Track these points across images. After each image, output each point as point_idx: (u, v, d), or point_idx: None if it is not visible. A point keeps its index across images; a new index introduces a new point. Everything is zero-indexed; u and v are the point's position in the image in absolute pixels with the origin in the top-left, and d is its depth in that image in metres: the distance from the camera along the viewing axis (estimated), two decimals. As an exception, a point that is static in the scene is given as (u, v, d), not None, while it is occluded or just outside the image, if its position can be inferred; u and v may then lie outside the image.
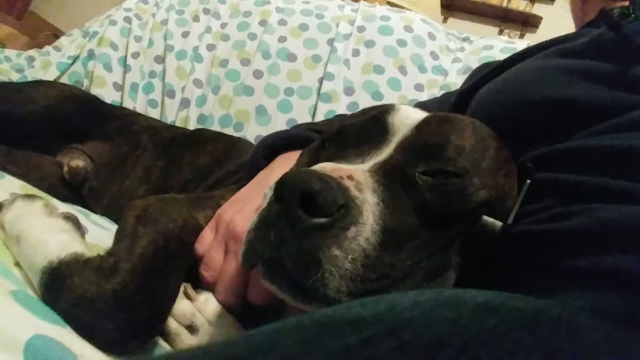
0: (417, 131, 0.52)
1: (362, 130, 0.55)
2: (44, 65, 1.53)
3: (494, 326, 0.30)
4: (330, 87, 1.34)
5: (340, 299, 0.41)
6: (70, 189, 1.10)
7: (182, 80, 1.46)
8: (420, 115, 0.56)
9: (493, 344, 0.29)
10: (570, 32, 0.76)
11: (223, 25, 1.54)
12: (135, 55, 1.51)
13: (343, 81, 1.35)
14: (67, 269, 0.50)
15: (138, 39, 1.54)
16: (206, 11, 1.58)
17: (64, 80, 1.50)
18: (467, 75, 0.96)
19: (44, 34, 3.06)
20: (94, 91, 1.44)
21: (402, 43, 1.40)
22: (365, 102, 1.32)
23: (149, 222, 0.59)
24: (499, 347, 0.29)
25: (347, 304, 0.32)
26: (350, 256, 0.42)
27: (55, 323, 0.46)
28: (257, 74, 1.41)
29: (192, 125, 1.39)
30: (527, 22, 4.20)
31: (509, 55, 0.79)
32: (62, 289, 0.49)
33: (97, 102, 1.25)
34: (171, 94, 1.45)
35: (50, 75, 1.48)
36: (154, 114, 1.43)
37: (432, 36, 1.44)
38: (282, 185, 0.43)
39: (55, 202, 0.68)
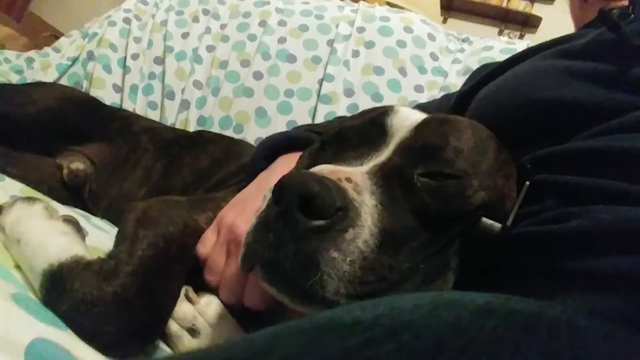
0: (416, 133, 0.52)
1: (361, 132, 0.55)
2: (43, 67, 1.53)
3: (494, 328, 0.30)
4: (330, 88, 1.34)
5: (339, 301, 0.41)
6: (70, 192, 1.10)
7: (182, 81, 1.46)
8: (420, 116, 0.56)
9: (493, 346, 0.29)
10: (569, 32, 0.76)
11: (223, 26, 1.54)
12: (135, 56, 1.51)
13: (343, 82, 1.35)
14: (68, 271, 0.50)
15: (137, 40, 1.54)
16: (206, 12, 1.58)
17: (64, 81, 1.50)
18: (467, 76, 0.96)
19: (43, 35, 3.06)
20: (94, 93, 1.44)
21: (401, 44, 1.40)
22: (365, 103, 1.32)
23: (150, 225, 0.59)
24: (498, 349, 0.29)
25: (346, 306, 0.32)
26: (348, 258, 0.42)
27: (55, 326, 0.46)
28: (257, 76, 1.41)
29: (192, 127, 1.39)
30: (526, 23, 4.21)
31: (508, 56, 0.79)
32: (62, 292, 0.49)
33: (97, 103, 1.26)
34: (171, 95, 1.45)
35: (49, 76, 1.48)
36: (154, 115, 1.43)
37: (431, 37, 1.44)
38: (281, 188, 0.43)
39: (55, 204, 0.68)
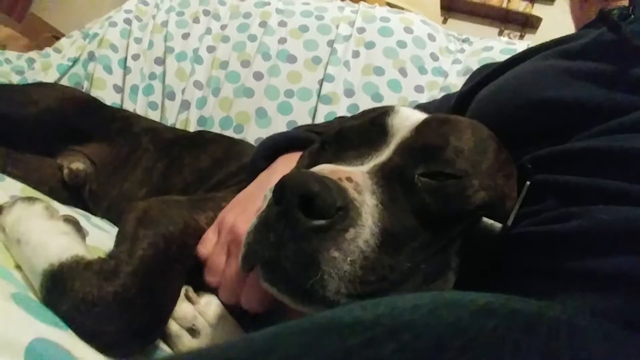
0: (417, 133, 0.52)
1: (362, 132, 0.55)
2: (44, 67, 1.53)
3: (494, 328, 0.30)
4: (330, 88, 1.34)
5: (339, 301, 0.41)
6: (71, 192, 1.10)
7: (182, 82, 1.46)
8: (420, 116, 0.56)
9: (493, 346, 0.29)
10: (570, 33, 0.76)
11: (223, 27, 1.54)
12: (136, 57, 1.51)
13: (343, 83, 1.35)
14: (68, 271, 0.50)
15: (138, 40, 1.54)
16: (206, 13, 1.59)
17: (64, 82, 1.50)
18: (467, 76, 0.96)
19: (44, 36, 3.07)
20: (94, 93, 1.44)
21: (402, 44, 1.40)
22: (366, 103, 1.32)
23: (150, 224, 0.59)
24: (499, 349, 0.29)
25: (347, 306, 0.32)
26: (349, 258, 0.42)
27: (56, 326, 0.46)
28: (257, 76, 1.41)
29: (192, 128, 1.39)
30: (527, 23, 4.21)
31: (508, 56, 0.79)
32: (63, 291, 0.49)
33: (97, 104, 1.26)
34: (171, 95, 1.45)
35: (50, 77, 1.48)
36: (154, 116, 1.43)
37: (432, 37, 1.44)
38: (281, 188, 0.43)
39: (55, 204, 0.68)
